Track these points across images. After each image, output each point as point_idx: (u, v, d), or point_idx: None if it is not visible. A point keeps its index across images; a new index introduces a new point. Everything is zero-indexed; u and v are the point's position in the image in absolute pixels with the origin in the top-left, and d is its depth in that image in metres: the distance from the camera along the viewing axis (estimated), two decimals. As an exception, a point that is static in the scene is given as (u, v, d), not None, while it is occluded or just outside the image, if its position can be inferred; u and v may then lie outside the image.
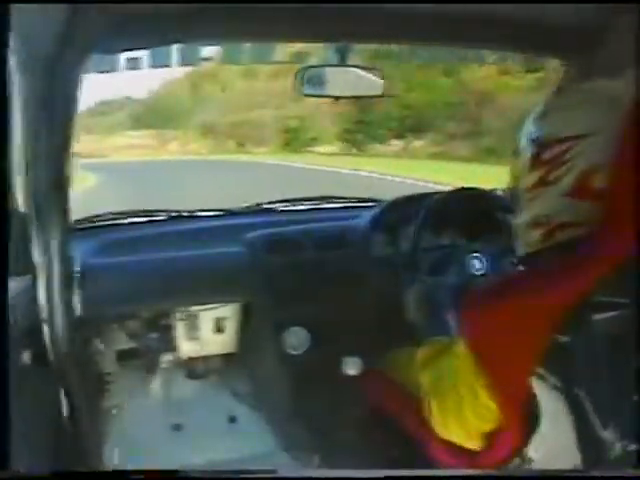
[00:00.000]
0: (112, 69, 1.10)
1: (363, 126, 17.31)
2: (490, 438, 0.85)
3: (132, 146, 24.24)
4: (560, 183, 0.76)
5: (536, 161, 0.79)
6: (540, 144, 0.79)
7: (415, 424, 1.01)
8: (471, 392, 0.80)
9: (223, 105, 24.09)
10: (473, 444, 0.86)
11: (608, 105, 0.75)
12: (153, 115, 29.64)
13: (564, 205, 0.77)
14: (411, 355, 1.07)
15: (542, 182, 0.78)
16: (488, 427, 0.83)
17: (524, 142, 0.82)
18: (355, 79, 1.28)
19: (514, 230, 0.86)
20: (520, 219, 0.84)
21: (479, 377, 0.78)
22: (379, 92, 1.32)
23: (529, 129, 0.82)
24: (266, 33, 1.16)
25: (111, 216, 1.62)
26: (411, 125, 16.60)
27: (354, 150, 17.70)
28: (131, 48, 1.08)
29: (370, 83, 1.31)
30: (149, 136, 26.55)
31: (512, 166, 0.85)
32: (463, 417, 0.83)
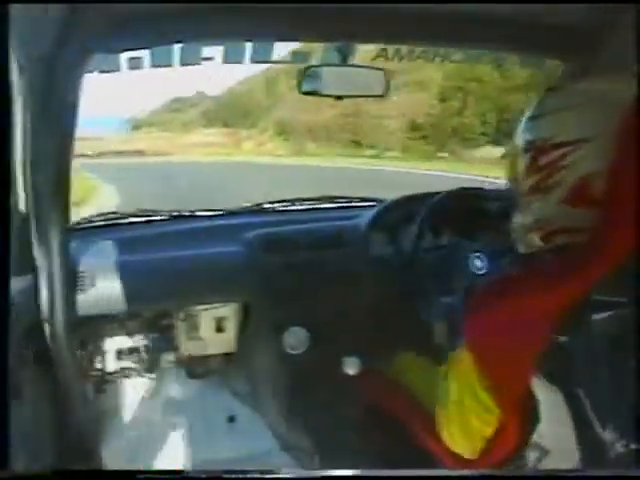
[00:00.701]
0: (114, 69, 1.10)
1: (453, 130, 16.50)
2: (490, 439, 0.85)
3: (206, 144, 23.42)
4: (555, 190, 0.76)
5: (532, 166, 0.78)
6: (536, 148, 0.78)
7: (416, 425, 1.01)
8: (474, 397, 0.80)
9: (302, 104, 21.48)
10: (475, 451, 0.85)
11: (605, 107, 0.73)
12: (227, 112, 28.45)
13: (559, 212, 0.77)
14: (414, 358, 1.07)
15: (538, 188, 0.78)
16: (490, 430, 0.82)
17: (520, 143, 0.81)
18: (358, 79, 1.28)
19: (513, 231, 0.86)
20: (518, 221, 0.84)
21: (480, 379, 0.78)
22: (381, 92, 1.32)
23: (525, 129, 0.81)
24: (266, 33, 1.16)
25: (111, 216, 1.62)
26: (508, 129, 15.71)
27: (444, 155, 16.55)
28: (131, 48, 1.08)
29: (373, 83, 1.31)
30: (223, 134, 25.57)
31: (509, 166, 0.85)
32: (467, 428, 0.82)
